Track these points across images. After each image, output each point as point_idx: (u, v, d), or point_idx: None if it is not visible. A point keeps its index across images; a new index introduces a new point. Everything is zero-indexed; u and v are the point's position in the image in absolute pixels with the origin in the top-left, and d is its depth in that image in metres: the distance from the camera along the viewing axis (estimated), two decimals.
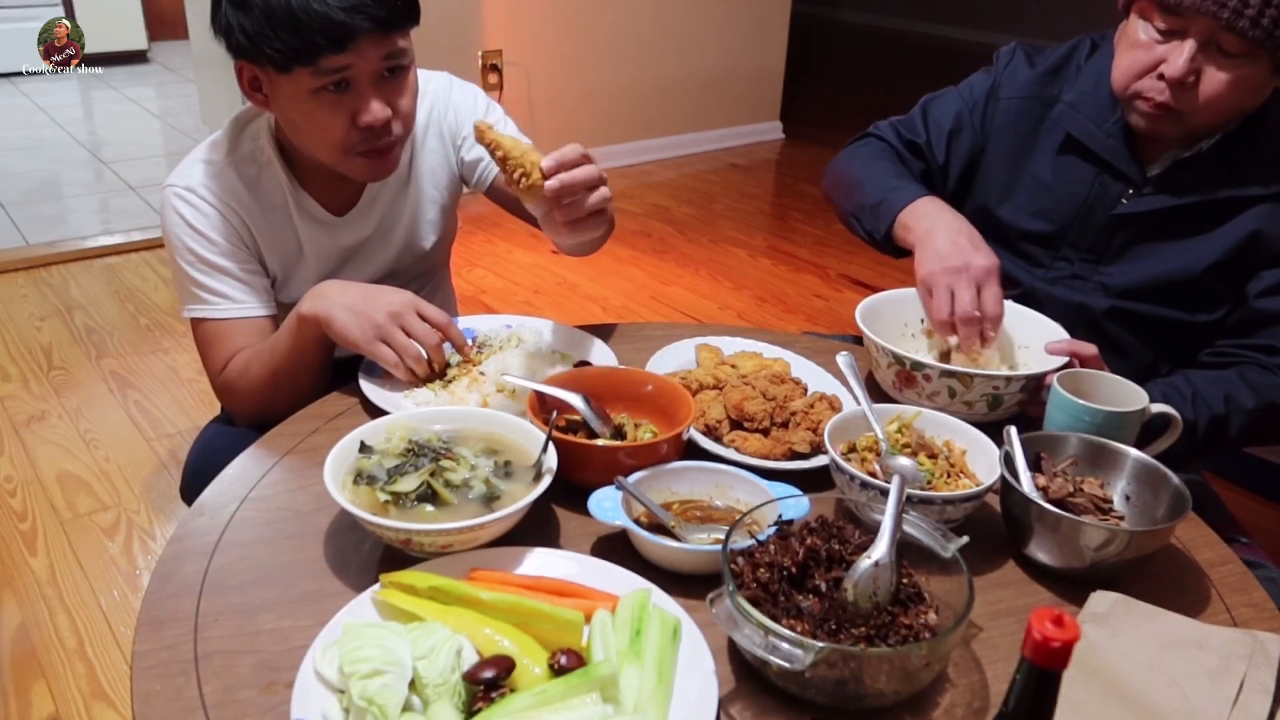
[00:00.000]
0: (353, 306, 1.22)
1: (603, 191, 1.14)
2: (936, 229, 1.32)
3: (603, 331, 1.41)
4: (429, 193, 1.49)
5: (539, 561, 0.93)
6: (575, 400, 1.12)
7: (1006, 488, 1.00)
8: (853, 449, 1.09)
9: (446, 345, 1.35)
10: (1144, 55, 1.27)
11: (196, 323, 1.35)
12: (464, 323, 1.40)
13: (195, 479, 1.30)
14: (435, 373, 1.26)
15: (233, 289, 1.33)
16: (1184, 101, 1.25)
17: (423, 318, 1.23)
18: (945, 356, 1.31)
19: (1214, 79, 1.22)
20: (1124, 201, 1.38)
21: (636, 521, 0.96)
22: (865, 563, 0.85)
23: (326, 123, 1.23)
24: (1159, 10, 1.24)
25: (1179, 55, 1.22)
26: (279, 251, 1.40)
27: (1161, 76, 1.25)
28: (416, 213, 1.49)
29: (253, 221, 1.36)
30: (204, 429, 1.43)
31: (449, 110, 1.48)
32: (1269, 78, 1.24)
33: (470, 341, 1.37)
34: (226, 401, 1.37)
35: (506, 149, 1.11)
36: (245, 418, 1.34)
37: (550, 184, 1.09)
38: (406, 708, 0.76)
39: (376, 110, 1.23)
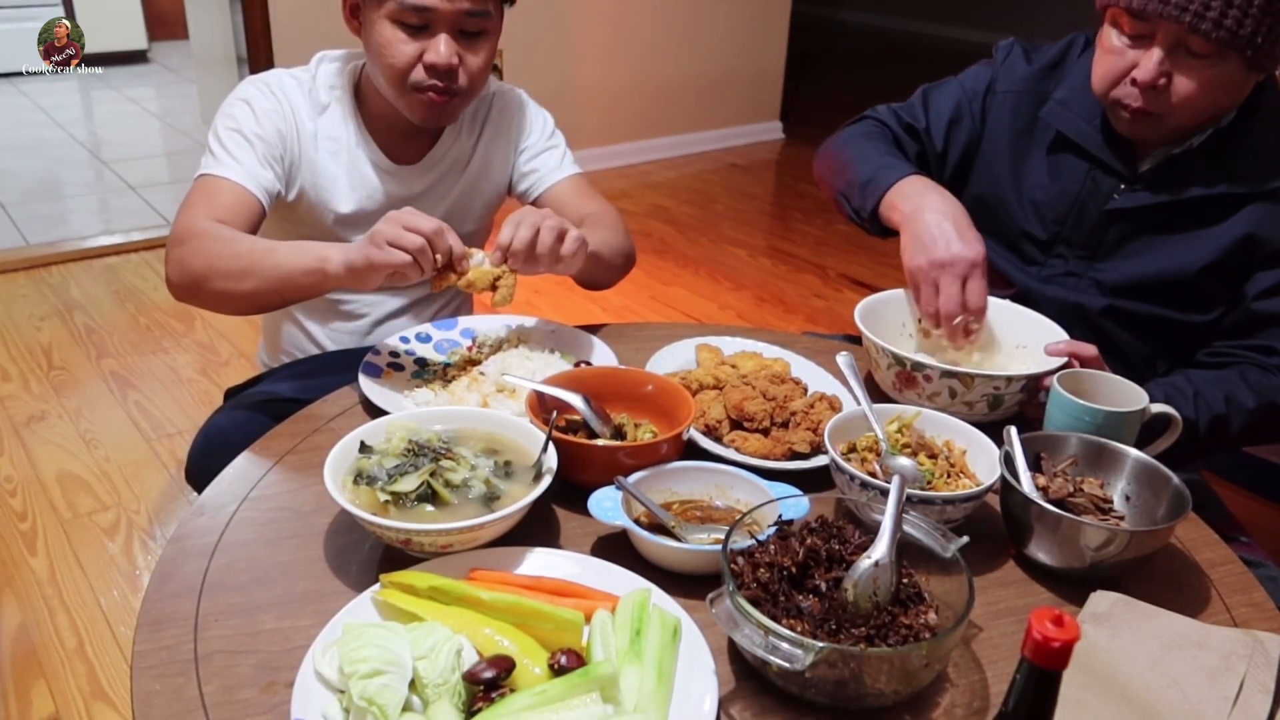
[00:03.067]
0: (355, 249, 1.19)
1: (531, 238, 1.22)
2: (922, 210, 1.31)
3: (603, 331, 1.41)
4: (480, 185, 1.58)
5: (539, 561, 0.93)
6: (575, 400, 1.12)
7: (1006, 488, 1.00)
8: (853, 449, 1.09)
9: (443, 346, 1.36)
10: (1117, 61, 1.28)
11: (199, 179, 1.38)
12: (464, 322, 1.41)
13: (201, 459, 1.33)
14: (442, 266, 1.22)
15: (248, 160, 1.38)
16: (1159, 104, 1.26)
17: (409, 228, 1.17)
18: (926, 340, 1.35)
19: (1185, 81, 1.24)
20: (1116, 197, 1.39)
21: (636, 521, 0.96)
22: (865, 563, 0.85)
23: (398, 51, 1.33)
24: (1127, 16, 1.25)
25: (1149, 60, 1.24)
26: (315, 174, 1.46)
27: (1134, 82, 1.26)
28: (464, 196, 1.57)
29: (302, 137, 1.44)
30: (210, 416, 1.43)
31: (520, 116, 1.59)
32: (1244, 75, 1.25)
33: (470, 341, 1.37)
34: (174, 249, 1.29)
35: (473, 282, 1.22)
36: (177, 273, 1.29)
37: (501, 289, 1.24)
38: (406, 708, 0.76)
39: (443, 52, 1.32)
